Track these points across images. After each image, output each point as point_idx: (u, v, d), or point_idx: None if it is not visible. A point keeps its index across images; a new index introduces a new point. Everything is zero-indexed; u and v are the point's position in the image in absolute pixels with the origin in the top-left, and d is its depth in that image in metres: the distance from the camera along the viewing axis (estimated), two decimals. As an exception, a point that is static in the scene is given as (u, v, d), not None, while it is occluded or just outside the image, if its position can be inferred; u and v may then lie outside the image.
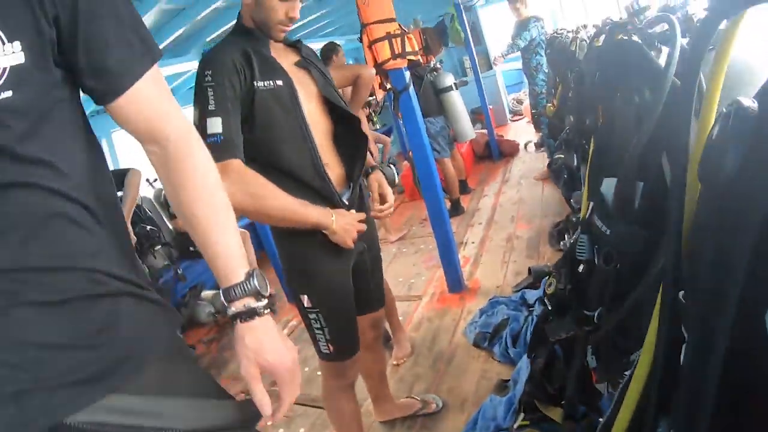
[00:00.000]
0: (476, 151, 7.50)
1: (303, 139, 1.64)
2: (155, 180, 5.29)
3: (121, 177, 3.09)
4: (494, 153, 7.29)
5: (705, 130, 0.65)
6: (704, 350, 0.54)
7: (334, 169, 1.76)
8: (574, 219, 2.37)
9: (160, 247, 4.65)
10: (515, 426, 1.98)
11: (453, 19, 7.53)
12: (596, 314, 1.14)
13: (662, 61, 1.14)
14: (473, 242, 4.59)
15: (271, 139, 1.62)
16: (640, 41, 1.17)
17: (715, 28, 0.62)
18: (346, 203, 1.76)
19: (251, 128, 1.58)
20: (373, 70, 2.78)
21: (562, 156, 2.58)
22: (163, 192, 4.59)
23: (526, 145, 7.38)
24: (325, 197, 1.69)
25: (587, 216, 1.19)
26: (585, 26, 5.47)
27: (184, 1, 3.20)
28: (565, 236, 3.52)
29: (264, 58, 1.63)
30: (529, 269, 3.50)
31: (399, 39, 3.17)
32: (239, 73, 1.53)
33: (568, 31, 6.57)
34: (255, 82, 1.56)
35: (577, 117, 2.26)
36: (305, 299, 1.76)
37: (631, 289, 1.01)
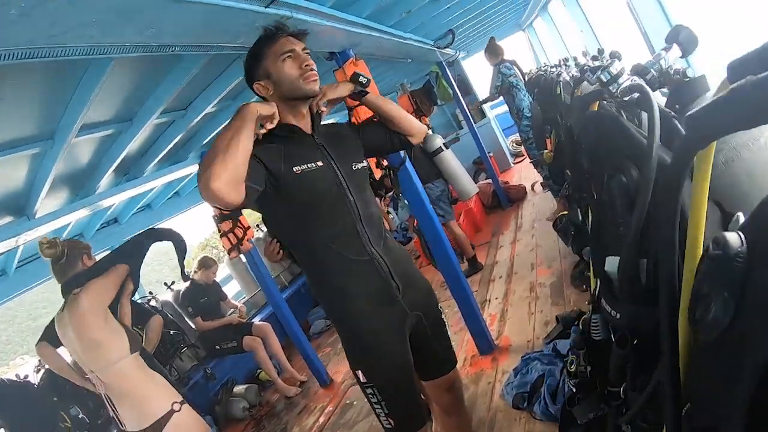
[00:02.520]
0: (484, 201, 7.51)
1: None
2: (173, 283, 5.35)
3: (143, 314, 3.12)
4: (503, 201, 7.29)
5: (691, 267, 0.64)
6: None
7: None
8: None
9: (186, 348, 4.67)
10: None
11: (438, 77, 7.70)
12: (621, 389, 1.10)
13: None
14: (497, 298, 4.52)
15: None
16: (617, 113, 1.18)
17: (690, 161, 0.62)
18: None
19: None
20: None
21: (566, 213, 2.56)
22: (182, 293, 4.62)
23: (533, 186, 7.38)
24: None
25: (596, 295, 1.17)
26: (566, 62, 5.60)
27: (174, 114, 3.30)
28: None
29: (300, 144, 1.78)
30: (557, 318, 3.42)
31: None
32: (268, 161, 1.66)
33: (551, 67, 6.74)
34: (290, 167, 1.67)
35: (573, 172, 2.26)
36: (360, 374, 1.80)
37: (652, 362, 0.98)
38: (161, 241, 2.62)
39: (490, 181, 7.52)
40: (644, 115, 1.24)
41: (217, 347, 4.66)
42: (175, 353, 4.50)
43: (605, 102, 1.39)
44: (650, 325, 0.98)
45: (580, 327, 2.44)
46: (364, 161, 1.94)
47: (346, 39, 3.14)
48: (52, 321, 2.85)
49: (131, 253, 2.54)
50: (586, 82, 2.26)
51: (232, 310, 5.20)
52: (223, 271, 5.83)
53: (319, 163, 1.73)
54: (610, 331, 1.10)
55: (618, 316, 1.02)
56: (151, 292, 5.03)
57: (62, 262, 2.41)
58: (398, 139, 2.04)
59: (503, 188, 7.33)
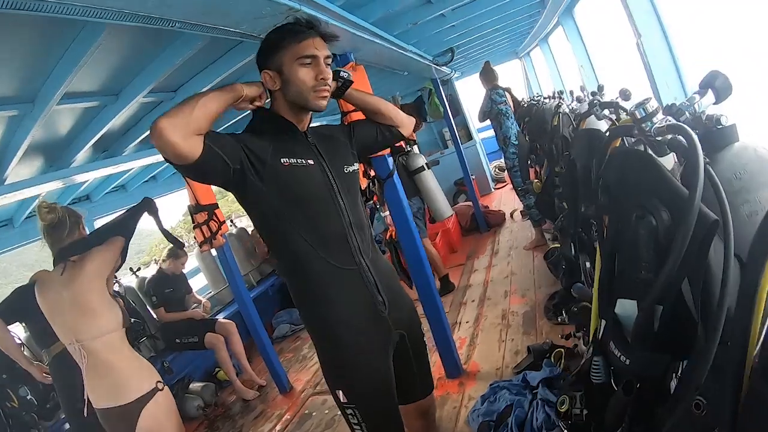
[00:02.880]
0: (462, 223, 7.49)
1: None
2: (138, 269, 5.17)
3: None
4: (481, 225, 7.27)
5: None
6: None
7: None
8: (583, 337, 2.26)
9: (145, 339, 4.49)
10: None
11: (431, 94, 7.70)
12: (617, 435, 1.04)
13: (667, 162, 1.09)
14: (467, 322, 4.46)
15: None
16: (650, 152, 1.13)
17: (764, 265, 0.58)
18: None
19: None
20: None
21: (558, 246, 2.54)
22: (147, 280, 4.45)
23: (512, 214, 7.40)
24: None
25: (600, 336, 1.11)
26: (561, 94, 5.64)
27: (162, 95, 3.19)
28: (563, 311, 3.44)
29: (292, 140, 1.69)
30: (529, 348, 3.39)
31: (381, 123, 3.15)
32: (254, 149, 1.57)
33: (545, 98, 6.80)
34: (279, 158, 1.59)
35: (571, 205, 2.23)
36: (341, 394, 1.68)
37: (651, 409, 0.93)
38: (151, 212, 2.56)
39: (470, 203, 7.50)
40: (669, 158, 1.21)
41: (178, 341, 4.48)
42: (133, 342, 4.31)
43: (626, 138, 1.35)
44: (659, 372, 0.93)
45: (559, 363, 2.41)
46: (355, 164, 1.86)
47: (350, 42, 3.08)
48: (13, 292, 2.72)
49: (127, 227, 2.52)
50: (593, 117, 2.23)
51: (196, 304, 5.03)
52: (190, 263, 5.64)
53: (310, 161, 1.65)
54: (612, 375, 1.04)
55: (628, 361, 0.96)
56: (115, 276, 4.83)
57: (60, 228, 2.37)
58: (389, 132, 2.01)
59: (483, 212, 7.31)
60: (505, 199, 8.66)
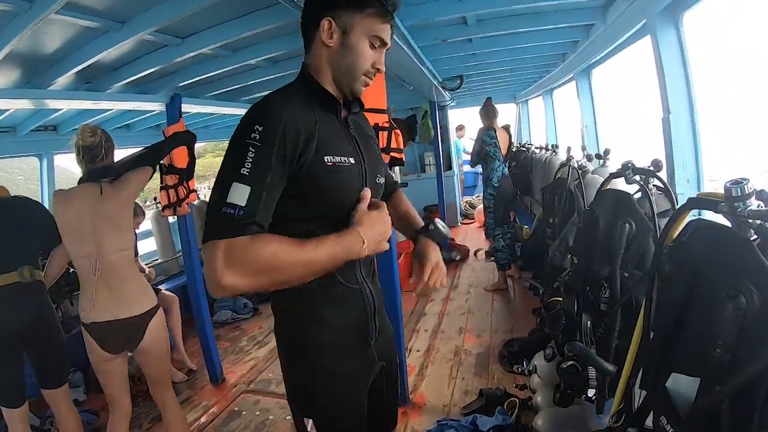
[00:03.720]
0: (426, 250, 7.36)
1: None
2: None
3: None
4: (444, 255, 7.16)
5: None
6: None
7: None
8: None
9: (78, 293, 4.17)
10: None
11: (425, 116, 7.65)
12: None
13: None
14: (418, 350, 4.34)
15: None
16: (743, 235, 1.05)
17: None
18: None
19: (301, 204, 1.30)
20: None
21: (560, 299, 2.46)
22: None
23: (476, 252, 7.38)
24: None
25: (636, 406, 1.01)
26: (556, 148, 5.68)
27: (169, 38, 2.96)
28: (524, 362, 3.37)
29: (335, 127, 1.38)
30: (481, 391, 3.31)
31: (386, 133, 3.02)
32: (298, 142, 1.24)
33: (536, 148, 6.86)
34: (321, 156, 1.28)
35: (583, 262, 2.17)
36: (309, 424, 1.45)
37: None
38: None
39: (437, 232, 7.42)
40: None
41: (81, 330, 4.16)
42: (67, 294, 3.99)
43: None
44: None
45: (512, 413, 2.33)
46: (383, 176, 1.59)
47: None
48: None
49: (153, 159, 2.78)
50: (623, 179, 2.18)
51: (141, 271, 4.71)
52: (143, 225, 5.30)
53: (351, 160, 1.37)
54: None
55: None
56: None
57: (96, 151, 2.55)
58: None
59: (449, 244, 7.25)
60: (470, 236, 8.65)
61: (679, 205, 1.28)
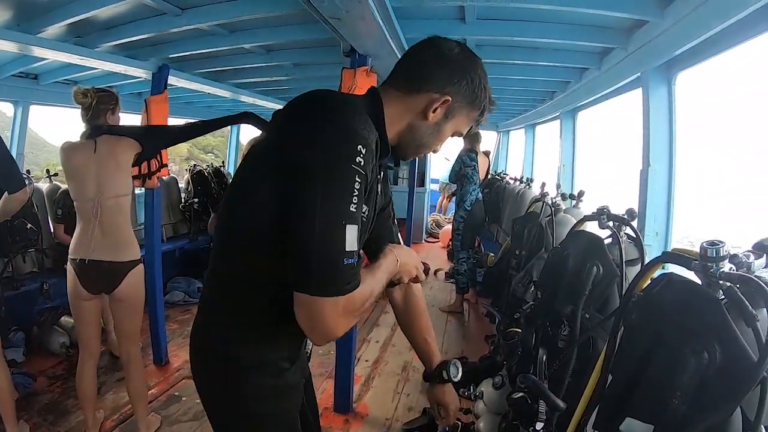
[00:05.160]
0: (385, 262, 7.36)
1: None
2: (55, 174, 4.65)
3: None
4: (404, 270, 7.18)
5: None
6: None
7: None
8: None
9: (33, 251, 4.02)
10: None
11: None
12: None
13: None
14: (367, 360, 4.33)
15: None
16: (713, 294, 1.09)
17: None
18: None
19: None
20: None
21: (518, 330, 2.49)
22: (60, 191, 4.02)
23: (436, 272, 7.41)
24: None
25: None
26: (531, 182, 5.77)
27: (167, 6, 2.89)
28: (471, 387, 3.38)
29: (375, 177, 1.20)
30: (425, 410, 3.27)
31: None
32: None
33: (511, 178, 6.96)
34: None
35: (546, 297, 2.20)
36: None
37: None
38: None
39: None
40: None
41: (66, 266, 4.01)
42: (20, 249, 3.83)
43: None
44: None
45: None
46: None
47: (380, 47, 2.95)
48: None
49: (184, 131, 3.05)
50: (595, 223, 2.23)
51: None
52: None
53: (367, 213, 1.21)
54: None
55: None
56: (28, 171, 4.35)
57: (89, 111, 2.72)
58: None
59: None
60: (433, 255, 8.69)
61: (652, 257, 1.31)
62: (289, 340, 1.25)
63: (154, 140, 2.92)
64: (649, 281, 1.31)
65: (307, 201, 0.96)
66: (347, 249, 0.96)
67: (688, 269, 1.18)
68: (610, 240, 2.15)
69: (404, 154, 1.30)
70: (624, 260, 1.95)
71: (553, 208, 3.24)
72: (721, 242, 1.10)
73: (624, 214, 2.19)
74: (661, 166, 2.97)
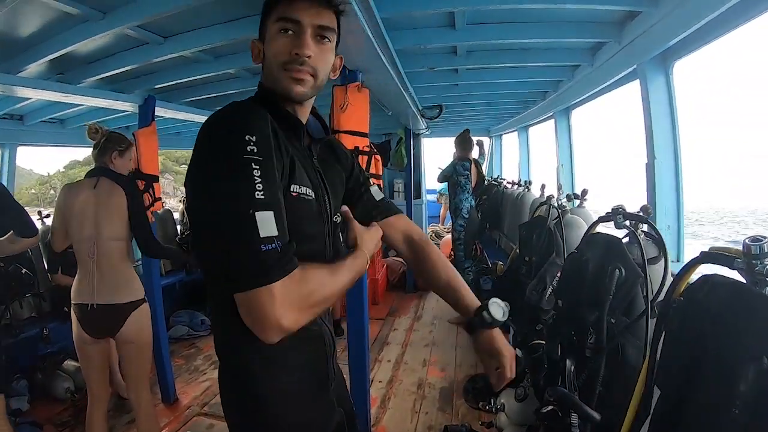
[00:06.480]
0: (390, 278, 7.32)
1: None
2: (47, 215, 4.56)
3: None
4: (408, 284, 7.14)
5: None
6: None
7: None
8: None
9: (30, 296, 3.94)
10: None
11: (399, 143, 7.61)
12: None
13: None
14: (381, 381, 4.22)
15: None
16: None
17: None
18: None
19: None
20: None
21: (541, 342, 2.40)
22: (51, 232, 3.94)
23: (441, 283, 7.29)
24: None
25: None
26: (529, 185, 5.70)
27: (151, 36, 2.82)
28: (491, 400, 3.28)
29: (300, 154, 1.21)
30: (446, 427, 3.20)
31: (366, 157, 2.97)
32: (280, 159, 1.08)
33: (508, 182, 6.89)
34: (288, 183, 1.11)
35: (568, 305, 2.12)
36: None
37: None
38: None
39: (402, 259, 7.34)
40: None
41: (66, 309, 3.86)
42: (17, 295, 3.74)
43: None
44: None
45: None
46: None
47: (371, 61, 2.88)
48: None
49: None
50: (613, 224, 2.16)
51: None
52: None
53: (312, 195, 1.19)
54: None
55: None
56: (40, 212, 4.52)
57: (97, 149, 2.82)
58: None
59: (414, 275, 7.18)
60: (435, 266, 8.54)
61: (691, 258, 1.23)
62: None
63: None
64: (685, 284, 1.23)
65: (206, 207, 1.01)
66: (263, 236, 0.94)
67: (730, 269, 1.10)
68: (627, 239, 2.08)
69: (283, 93, 1.20)
70: (646, 259, 1.88)
71: (560, 211, 3.17)
72: (765, 237, 1.03)
73: (638, 211, 2.12)
74: (666, 158, 2.91)
